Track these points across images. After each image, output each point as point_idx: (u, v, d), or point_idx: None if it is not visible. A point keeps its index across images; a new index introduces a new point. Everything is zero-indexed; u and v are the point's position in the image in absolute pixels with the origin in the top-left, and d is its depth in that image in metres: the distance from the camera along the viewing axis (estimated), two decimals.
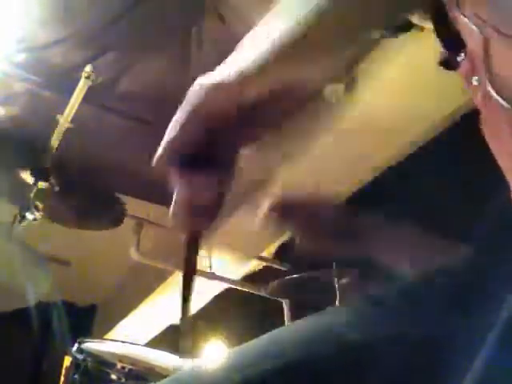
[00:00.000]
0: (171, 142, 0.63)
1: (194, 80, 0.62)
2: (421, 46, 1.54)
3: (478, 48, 0.59)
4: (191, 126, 0.61)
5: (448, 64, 0.84)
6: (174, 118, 0.63)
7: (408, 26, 1.01)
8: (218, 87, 0.60)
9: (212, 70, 0.62)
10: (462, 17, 0.68)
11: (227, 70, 0.60)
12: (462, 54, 0.78)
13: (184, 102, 0.63)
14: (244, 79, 0.60)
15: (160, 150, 0.64)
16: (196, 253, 0.63)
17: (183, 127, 0.61)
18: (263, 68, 0.59)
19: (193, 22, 1.95)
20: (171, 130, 0.63)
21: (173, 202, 0.62)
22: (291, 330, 0.59)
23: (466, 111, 1.68)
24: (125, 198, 2.08)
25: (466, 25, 0.68)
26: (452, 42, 0.77)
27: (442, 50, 0.84)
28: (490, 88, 0.62)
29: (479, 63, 0.65)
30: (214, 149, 0.63)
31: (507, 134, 0.61)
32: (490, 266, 0.57)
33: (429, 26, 0.85)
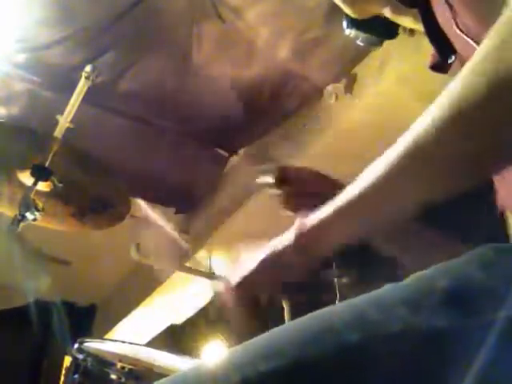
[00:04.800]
0: (259, 280, 0.72)
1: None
2: (422, 47, 1.54)
3: (469, 53, 0.60)
4: (281, 267, 0.70)
5: (438, 67, 0.85)
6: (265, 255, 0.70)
7: (394, 32, 1.01)
8: (301, 235, 0.66)
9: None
10: (456, 30, 0.69)
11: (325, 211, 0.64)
12: (453, 57, 0.80)
13: (279, 243, 0.70)
14: (322, 231, 0.65)
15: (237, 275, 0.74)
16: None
17: (275, 266, 0.70)
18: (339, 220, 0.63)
19: (193, 22, 1.95)
20: (261, 265, 0.71)
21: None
22: (291, 329, 0.59)
23: None
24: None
25: (459, 36, 0.69)
26: (443, 46, 0.79)
27: (432, 53, 0.85)
28: None
29: None
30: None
31: None
32: (489, 266, 0.57)
33: (420, 29, 0.85)
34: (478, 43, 0.64)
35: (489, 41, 0.51)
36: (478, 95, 0.50)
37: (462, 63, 0.66)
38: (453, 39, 0.75)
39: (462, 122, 0.52)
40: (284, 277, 0.72)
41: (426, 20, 0.81)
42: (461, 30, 0.68)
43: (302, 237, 0.67)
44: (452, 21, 0.70)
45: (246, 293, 0.74)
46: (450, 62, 0.80)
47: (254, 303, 0.75)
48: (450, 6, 0.70)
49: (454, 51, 0.78)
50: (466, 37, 0.67)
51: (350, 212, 0.62)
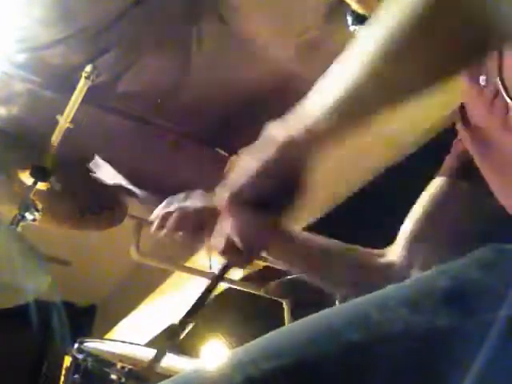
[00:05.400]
0: (238, 188, 0.68)
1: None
2: None
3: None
4: (260, 179, 0.66)
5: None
6: (242, 164, 0.69)
7: None
8: (289, 145, 0.64)
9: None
10: None
11: (298, 125, 0.64)
12: None
13: (254, 150, 0.68)
14: (313, 137, 0.63)
15: (224, 190, 0.70)
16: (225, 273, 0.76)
17: (252, 177, 0.66)
18: (331, 124, 0.61)
19: (193, 22, 1.95)
20: (238, 176, 0.68)
21: (217, 232, 0.68)
22: (293, 330, 0.59)
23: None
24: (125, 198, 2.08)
25: None
26: None
27: None
28: (501, 89, 0.63)
29: (490, 64, 0.65)
30: (273, 197, 0.68)
31: None
32: (489, 266, 0.57)
33: None
34: None
35: None
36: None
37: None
38: None
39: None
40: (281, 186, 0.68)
41: None
42: None
43: (289, 147, 0.64)
44: None
45: (245, 206, 0.69)
46: None
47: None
48: None
49: None
50: None
51: (334, 116, 0.61)
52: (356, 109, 0.60)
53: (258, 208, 0.68)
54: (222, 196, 0.70)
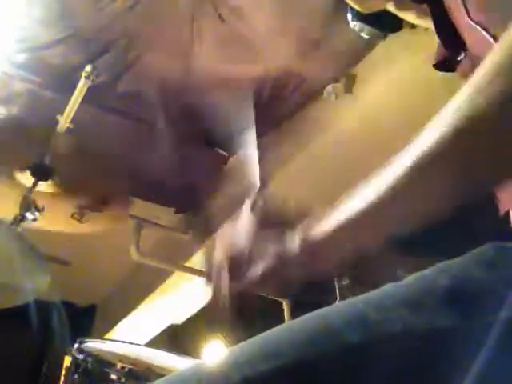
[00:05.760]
0: (248, 262, 0.68)
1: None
2: (423, 46, 1.53)
3: (482, 49, 0.59)
4: (272, 266, 0.66)
5: (444, 65, 0.85)
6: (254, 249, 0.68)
7: (398, 26, 1.02)
8: (313, 246, 0.63)
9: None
10: (468, 21, 0.68)
11: (322, 228, 0.62)
12: (463, 54, 0.78)
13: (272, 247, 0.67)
14: (329, 244, 0.62)
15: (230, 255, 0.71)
16: None
17: (269, 264, 0.66)
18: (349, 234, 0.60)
19: (193, 23, 1.95)
20: (255, 251, 0.68)
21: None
22: (291, 329, 0.59)
23: None
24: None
25: (472, 28, 0.68)
26: (452, 41, 0.77)
27: (439, 51, 0.84)
28: None
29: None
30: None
31: None
32: (491, 266, 0.57)
33: (429, 25, 0.85)
34: (490, 35, 0.63)
35: (495, 56, 0.51)
36: (483, 114, 0.50)
37: (472, 60, 0.66)
38: (463, 34, 0.74)
39: (469, 137, 0.51)
40: (288, 283, 0.70)
41: (436, 14, 0.80)
42: (473, 21, 0.67)
43: (306, 250, 0.63)
44: (464, 13, 0.68)
45: (246, 297, 0.72)
46: (459, 58, 0.79)
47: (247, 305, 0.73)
48: None
49: (463, 48, 0.76)
50: (478, 27, 0.66)
51: (357, 226, 0.59)
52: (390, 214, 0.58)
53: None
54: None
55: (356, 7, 0.95)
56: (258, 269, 0.67)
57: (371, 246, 0.62)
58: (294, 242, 0.65)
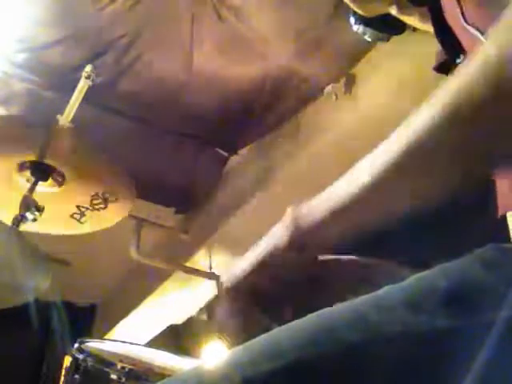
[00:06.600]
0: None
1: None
2: (423, 46, 1.53)
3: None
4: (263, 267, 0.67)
5: (444, 68, 0.85)
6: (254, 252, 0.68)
7: (401, 29, 1.02)
8: (295, 242, 0.64)
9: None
10: (464, 24, 0.68)
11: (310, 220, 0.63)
12: (462, 57, 0.79)
13: (269, 238, 0.67)
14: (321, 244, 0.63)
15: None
16: None
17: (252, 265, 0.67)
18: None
19: (193, 23, 1.95)
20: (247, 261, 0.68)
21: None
22: (291, 329, 0.59)
23: None
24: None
25: (468, 31, 0.68)
26: (451, 44, 0.78)
27: (439, 53, 0.85)
28: None
29: None
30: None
31: None
32: (490, 267, 0.57)
33: (431, 29, 0.85)
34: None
35: (487, 47, 0.51)
36: (477, 100, 0.50)
37: None
38: (460, 36, 0.74)
39: (463, 122, 0.52)
40: (283, 276, 0.70)
41: (435, 18, 0.80)
42: (468, 24, 0.68)
43: (297, 236, 0.65)
44: (460, 16, 0.69)
45: (243, 295, 0.71)
46: (457, 62, 0.79)
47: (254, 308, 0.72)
48: (458, 1, 0.69)
49: (462, 51, 0.77)
50: (472, 29, 0.66)
51: (348, 213, 0.61)
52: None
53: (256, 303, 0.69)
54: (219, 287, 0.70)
55: (359, 11, 0.95)
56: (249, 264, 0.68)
57: (362, 231, 0.62)
58: (283, 235, 0.65)
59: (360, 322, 0.55)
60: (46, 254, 1.85)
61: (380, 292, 0.58)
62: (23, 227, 1.70)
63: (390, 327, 0.54)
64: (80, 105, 1.77)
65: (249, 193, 2.45)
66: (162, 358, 1.55)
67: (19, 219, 1.69)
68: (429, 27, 0.89)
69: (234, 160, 2.57)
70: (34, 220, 1.72)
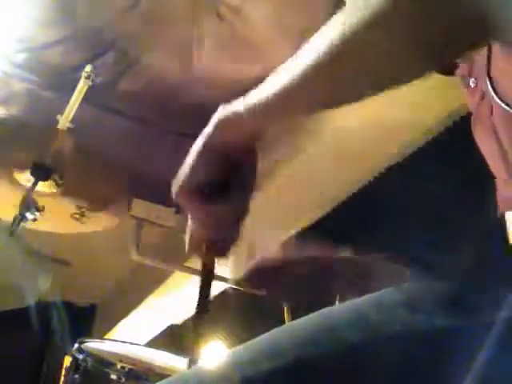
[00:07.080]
0: (188, 173, 0.69)
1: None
2: None
3: (480, 52, 0.59)
4: (204, 157, 0.68)
5: (444, 68, 0.85)
6: (192, 149, 0.69)
7: None
8: (226, 120, 0.67)
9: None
10: None
11: (241, 104, 0.67)
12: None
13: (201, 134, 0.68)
14: (253, 114, 0.63)
15: (178, 182, 0.70)
16: (213, 263, 0.73)
17: (198, 158, 0.68)
18: (273, 105, 0.62)
19: (193, 23, 1.95)
20: (188, 159, 0.67)
21: (188, 233, 0.69)
22: (291, 329, 0.59)
23: (463, 113, 1.68)
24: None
25: None
26: None
27: None
28: (490, 90, 0.63)
29: (480, 67, 0.65)
30: (229, 175, 0.68)
31: (502, 133, 0.61)
32: (489, 266, 0.57)
33: None
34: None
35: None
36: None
37: (469, 63, 0.66)
38: None
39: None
40: (218, 168, 0.68)
41: None
42: None
43: (221, 128, 0.67)
44: None
45: (194, 195, 0.69)
46: (457, 61, 0.79)
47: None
48: None
49: None
50: None
51: (269, 110, 0.64)
52: (295, 100, 0.62)
53: (215, 194, 0.68)
54: (173, 191, 0.69)
55: None
56: None
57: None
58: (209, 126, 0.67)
59: (360, 322, 0.55)
60: (46, 254, 1.85)
61: (380, 292, 0.58)
62: (23, 227, 1.70)
63: (389, 327, 0.54)
64: (80, 105, 1.77)
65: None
66: (162, 358, 1.55)
67: (19, 219, 1.69)
68: None
69: None
70: (34, 220, 1.72)
